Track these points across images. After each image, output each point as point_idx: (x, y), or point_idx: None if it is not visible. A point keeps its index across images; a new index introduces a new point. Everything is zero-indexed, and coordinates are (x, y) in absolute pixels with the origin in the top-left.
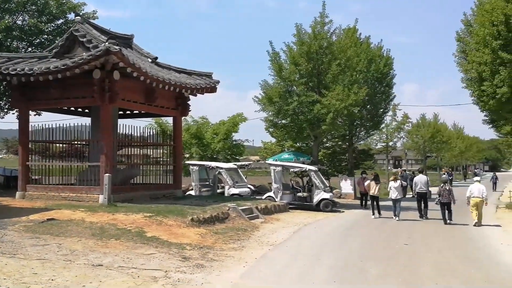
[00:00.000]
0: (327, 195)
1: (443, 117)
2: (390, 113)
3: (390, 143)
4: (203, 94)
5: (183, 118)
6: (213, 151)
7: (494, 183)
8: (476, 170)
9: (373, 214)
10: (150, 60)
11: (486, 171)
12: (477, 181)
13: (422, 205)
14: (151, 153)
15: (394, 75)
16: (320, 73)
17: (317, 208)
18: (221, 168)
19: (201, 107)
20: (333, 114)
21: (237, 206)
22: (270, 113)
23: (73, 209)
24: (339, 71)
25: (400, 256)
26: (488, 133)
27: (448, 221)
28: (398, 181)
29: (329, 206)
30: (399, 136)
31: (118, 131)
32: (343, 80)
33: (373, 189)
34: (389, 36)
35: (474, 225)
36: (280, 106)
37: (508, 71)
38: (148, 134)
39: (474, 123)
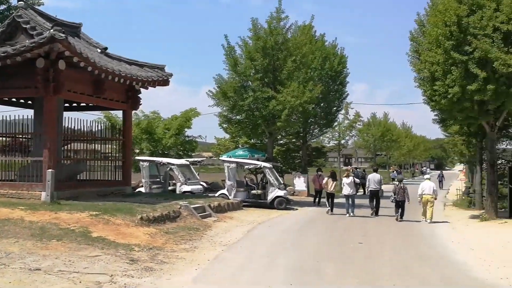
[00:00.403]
0: (281, 193)
1: (392, 117)
2: (343, 111)
3: (342, 141)
4: (155, 87)
5: (133, 112)
6: (164, 146)
7: (441, 182)
8: (423, 169)
9: (330, 210)
10: (99, 51)
11: (432, 169)
12: (427, 179)
13: (374, 202)
14: (99, 148)
15: (348, 73)
16: (275, 69)
17: (271, 205)
18: (173, 164)
19: (152, 103)
20: (288, 110)
21: (189, 204)
22: (224, 108)
23: (11, 207)
24: (295, 68)
25: (356, 255)
26: (434, 133)
27: (400, 218)
28: (351, 177)
29: (283, 203)
30: (351, 134)
31: (64, 124)
32: (298, 77)
33: (330, 186)
34: (339, 36)
35: (426, 222)
36: (235, 101)
37: (459, 71)
38: (96, 128)
39: (422, 123)
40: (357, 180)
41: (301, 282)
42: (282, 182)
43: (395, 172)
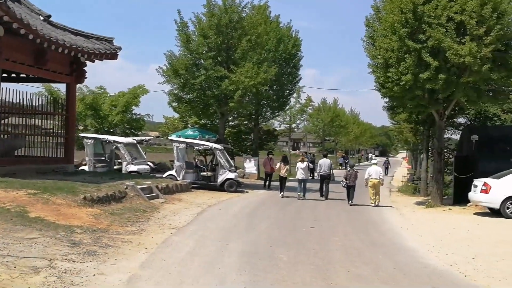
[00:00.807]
0: (232, 175)
1: (341, 103)
2: (295, 95)
3: (293, 125)
4: (102, 60)
5: (78, 86)
6: (110, 124)
7: (386, 168)
8: (368, 155)
9: (281, 193)
10: (42, 18)
11: (376, 156)
12: (374, 163)
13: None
14: (40, 123)
15: (302, 56)
16: (229, 47)
17: (221, 188)
18: (119, 142)
19: (97, 79)
20: (241, 91)
21: (136, 184)
22: (175, 86)
23: None
24: (249, 48)
25: (309, 240)
26: (380, 120)
27: (350, 202)
28: (305, 163)
29: (233, 186)
30: (301, 118)
31: (1, 96)
32: (252, 57)
33: (283, 170)
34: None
35: (372, 205)
36: (186, 79)
37: (412, 59)
38: (38, 101)
39: (368, 110)
40: (311, 165)
41: (255, 268)
42: (233, 165)
43: (342, 158)
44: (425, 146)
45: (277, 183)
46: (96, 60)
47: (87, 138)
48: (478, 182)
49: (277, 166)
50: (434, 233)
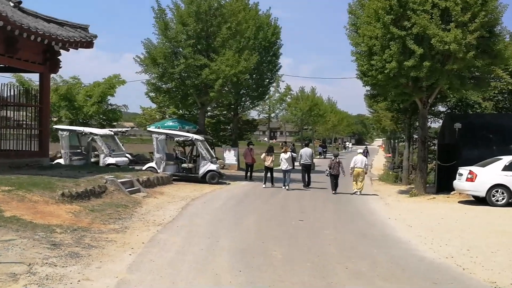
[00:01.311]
0: (214, 167)
1: (318, 92)
2: (274, 84)
3: (272, 115)
4: (77, 49)
5: (52, 76)
6: (85, 115)
7: (365, 156)
8: (346, 143)
9: (264, 183)
10: (12, 4)
11: (353, 144)
12: (360, 153)
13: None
14: (12, 115)
15: (281, 44)
16: (209, 35)
17: (202, 180)
18: (96, 134)
19: (70, 68)
20: (222, 80)
21: (116, 178)
22: (153, 76)
23: None
24: (230, 35)
25: (300, 234)
26: (355, 109)
27: (335, 191)
28: (289, 153)
29: (215, 178)
30: (280, 108)
31: None
32: (231, 46)
33: (269, 161)
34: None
35: (355, 193)
36: (165, 69)
37: (397, 47)
38: (9, 92)
39: (344, 99)
40: (294, 155)
41: (249, 268)
42: (214, 156)
43: (320, 147)
44: (406, 134)
45: (259, 174)
46: (70, 49)
47: (62, 130)
48: (464, 170)
49: (262, 157)
50: (423, 224)
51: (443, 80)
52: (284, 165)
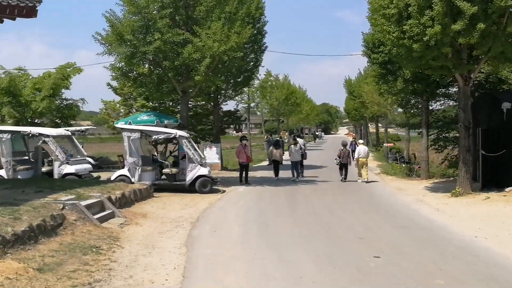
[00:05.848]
0: (204, 171)
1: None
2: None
3: (252, 104)
4: (14, 19)
5: None
6: (34, 112)
7: (353, 150)
8: (317, 133)
9: (276, 176)
10: None
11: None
12: (362, 143)
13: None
14: None
15: (266, 22)
16: (188, 4)
17: (191, 188)
18: (47, 135)
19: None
20: (209, 59)
21: (78, 199)
22: (119, 57)
23: None
24: (215, 3)
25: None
26: (319, 98)
27: (344, 179)
28: (298, 145)
29: (207, 185)
30: (260, 96)
31: None
32: (219, 15)
33: (277, 155)
34: None
35: (363, 181)
36: (135, 47)
37: (441, 5)
38: None
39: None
40: (303, 147)
41: None
42: (202, 156)
43: (298, 138)
44: (424, 120)
45: (256, 176)
46: (5, 19)
47: (2, 132)
48: None
49: (269, 150)
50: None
51: (497, 47)
52: (294, 157)
